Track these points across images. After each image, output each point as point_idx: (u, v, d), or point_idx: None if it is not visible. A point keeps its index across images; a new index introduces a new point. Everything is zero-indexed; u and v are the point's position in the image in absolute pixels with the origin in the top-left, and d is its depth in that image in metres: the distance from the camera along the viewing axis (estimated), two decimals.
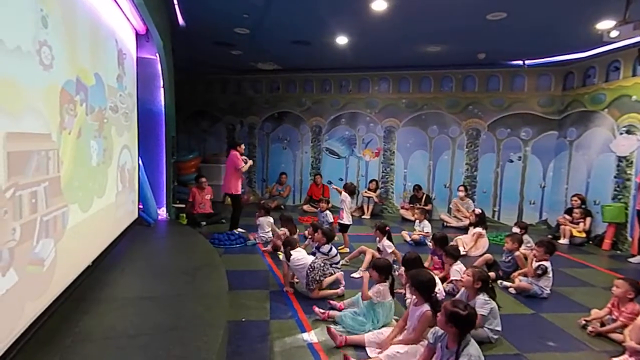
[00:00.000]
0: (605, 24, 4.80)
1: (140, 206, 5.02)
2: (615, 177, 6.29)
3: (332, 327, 2.98)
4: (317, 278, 3.69)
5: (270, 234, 5.47)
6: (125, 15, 4.12)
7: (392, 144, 8.68)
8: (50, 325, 2.35)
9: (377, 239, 4.79)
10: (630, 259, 5.55)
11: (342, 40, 6.24)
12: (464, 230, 6.70)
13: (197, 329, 2.45)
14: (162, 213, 5.51)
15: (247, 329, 3.07)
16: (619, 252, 6.02)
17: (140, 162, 4.98)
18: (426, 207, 7.62)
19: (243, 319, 3.19)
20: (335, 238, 5.51)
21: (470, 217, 6.56)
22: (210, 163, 9.18)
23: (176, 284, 3.25)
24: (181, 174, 8.35)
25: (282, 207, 8.71)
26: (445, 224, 7.65)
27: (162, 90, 5.37)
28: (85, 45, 3.00)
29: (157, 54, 5.07)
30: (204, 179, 7.09)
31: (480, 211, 6.09)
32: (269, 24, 5.52)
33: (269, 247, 5.28)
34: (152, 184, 5.27)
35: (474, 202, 7.91)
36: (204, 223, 6.56)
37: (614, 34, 3.96)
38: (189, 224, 6.21)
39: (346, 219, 5.53)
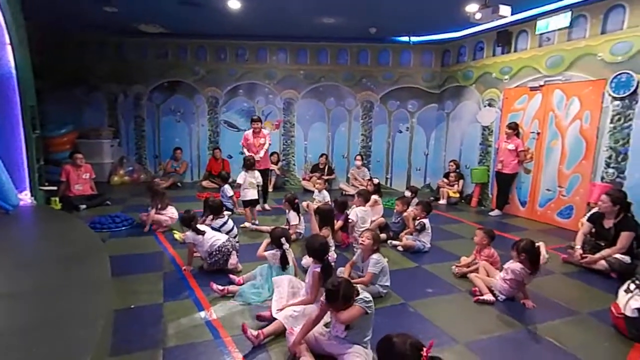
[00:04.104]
0: (472, 7, 5.39)
1: None
2: (480, 144, 7.34)
3: (233, 300, 2.99)
4: (220, 262, 3.60)
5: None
6: None
7: (291, 116, 8.69)
8: None
9: (287, 210, 4.84)
10: (490, 213, 6.63)
11: (234, 4, 5.86)
12: None
13: (71, 323, 2.14)
14: (25, 198, 4.62)
15: (137, 315, 2.83)
16: (483, 207, 7.13)
17: None
18: (330, 177, 7.95)
19: (132, 306, 2.93)
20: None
21: (368, 186, 7.01)
22: (90, 138, 8.02)
23: (46, 276, 2.79)
24: (52, 152, 7.15)
25: (179, 184, 8.14)
26: (343, 192, 8.07)
27: (9, 48, 4.37)
28: None
29: None
30: (79, 155, 6.16)
31: (377, 181, 6.58)
32: None
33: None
34: (7, 164, 4.34)
35: (369, 170, 8.46)
36: (83, 206, 5.75)
37: (477, 16, 4.49)
38: (64, 209, 5.39)
39: (250, 195, 5.42)
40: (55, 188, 5.61)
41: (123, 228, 4.94)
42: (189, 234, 3.67)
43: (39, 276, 2.78)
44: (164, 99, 8.58)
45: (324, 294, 2.25)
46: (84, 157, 6.26)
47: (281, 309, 2.72)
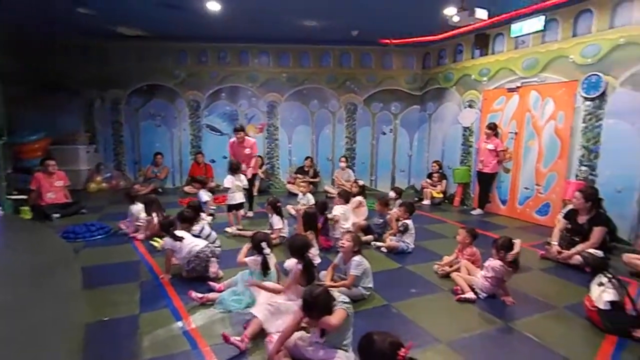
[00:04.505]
0: (450, 11, 5.45)
1: None
2: (462, 144, 7.44)
3: (213, 308, 2.93)
4: (198, 269, 3.51)
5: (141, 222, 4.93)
6: None
7: (275, 119, 8.63)
8: None
9: (269, 215, 4.78)
10: (472, 212, 6.71)
11: (213, 6, 5.79)
12: None
13: (40, 338, 2.05)
14: None
15: (111, 328, 2.71)
16: (465, 207, 7.21)
17: None
18: (315, 180, 7.91)
19: (105, 318, 2.81)
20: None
21: (352, 187, 7.03)
22: (65, 145, 7.78)
23: (13, 289, 2.67)
24: (22, 159, 6.90)
25: (160, 190, 7.97)
26: (328, 194, 8.04)
27: None
28: None
29: None
30: (51, 162, 5.92)
31: (362, 183, 6.59)
32: None
33: (139, 235, 4.79)
34: None
35: (354, 172, 8.47)
36: (56, 215, 5.53)
37: (455, 19, 4.55)
38: (35, 218, 5.18)
39: (238, 198, 5.32)
40: (25, 197, 5.40)
41: (99, 237, 4.77)
42: (167, 240, 3.57)
43: (5, 289, 2.66)
44: (142, 102, 8.41)
45: (301, 302, 2.19)
46: (56, 164, 6.05)
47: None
